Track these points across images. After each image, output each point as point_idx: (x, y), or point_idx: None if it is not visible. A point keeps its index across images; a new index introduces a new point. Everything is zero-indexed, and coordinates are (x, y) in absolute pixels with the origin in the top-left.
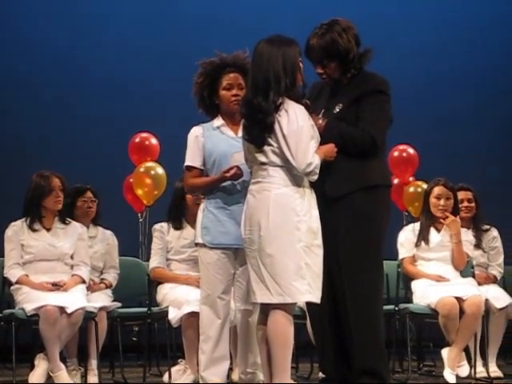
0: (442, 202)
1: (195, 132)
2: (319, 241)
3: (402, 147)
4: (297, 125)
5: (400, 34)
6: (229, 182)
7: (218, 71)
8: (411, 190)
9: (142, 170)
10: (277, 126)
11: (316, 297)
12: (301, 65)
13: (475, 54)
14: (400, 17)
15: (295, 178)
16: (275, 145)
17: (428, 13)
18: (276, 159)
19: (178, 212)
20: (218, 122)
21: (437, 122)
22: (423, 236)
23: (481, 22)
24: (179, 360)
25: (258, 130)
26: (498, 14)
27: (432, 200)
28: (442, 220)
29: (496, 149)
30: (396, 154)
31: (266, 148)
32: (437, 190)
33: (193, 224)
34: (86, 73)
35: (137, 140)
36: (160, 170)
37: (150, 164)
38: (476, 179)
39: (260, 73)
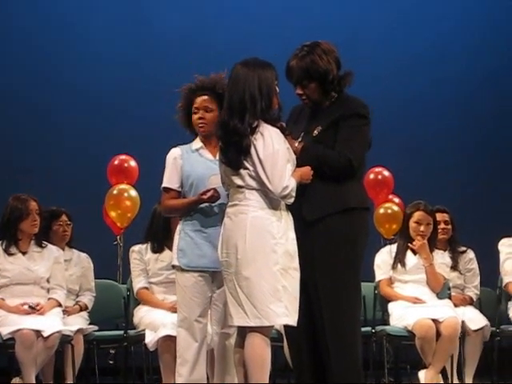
0: (422, 227)
1: (174, 154)
2: (296, 264)
3: (377, 169)
4: (272, 148)
5: (374, 55)
6: (206, 205)
7: (191, 95)
8: (381, 211)
9: (115, 192)
10: (253, 150)
11: (293, 320)
12: (277, 88)
13: (449, 78)
14: (375, 39)
15: (272, 201)
16: (251, 168)
17: (404, 35)
18: (252, 182)
19: (160, 235)
20: (197, 144)
21: (411, 144)
22: (400, 258)
23: (456, 47)
24: None
25: (234, 153)
26: (474, 38)
27: (412, 224)
28: (410, 245)
29: (471, 171)
30: (372, 176)
31: (243, 171)
32: (417, 215)
33: (171, 246)
34: (67, 93)
35: (116, 162)
36: (133, 193)
37: (123, 186)
38: (451, 201)
39: (236, 95)
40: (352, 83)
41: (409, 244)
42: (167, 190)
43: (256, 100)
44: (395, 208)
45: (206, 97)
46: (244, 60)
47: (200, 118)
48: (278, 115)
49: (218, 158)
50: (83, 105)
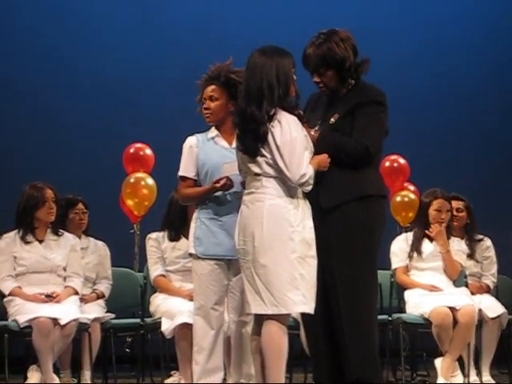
0: (443, 215)
1: (189, 142)
2: (313, 251)
3: (393, 157)
4: (290, 136)
5: (388, 44)
6: (220, 193)
7: (203, 86)
8: (398, 199)
9: (132, 180)
10: (270, 137)
11: (310, 308)
12: (294, 76)
13: (462, 67)
14: (388, 27)
15: (289, 188)
16: (269, 156)
17: (417, 24)
18: (270, 170)
19: (177, 223)
20: (213, 132)
21: (427, 132)
22: (416, 247)
23: (467, 36)
24: (173, 372)
25: (252, 140)
26: (486, 26)
27: (432, 213)
28: (427, 232)
29: (484, 159)
30: (387, 163)
31: (260, 159)
32: (437, 202)
33: (187, 235)
34: (80, 82)
35: (131, 150)
36: (150, 181)
37: (140, 174)
38: (467, 190)
39: (253, 82)
40: (368, 70)
41: (426, 231)
42: (183, 178)
43: (273, 88)
44: (412, 196)
45: (212, 86)
46: (261, 48)
47: (205, 108)
48: (295, 103)
49: (233, 146)
50: (97, 95)
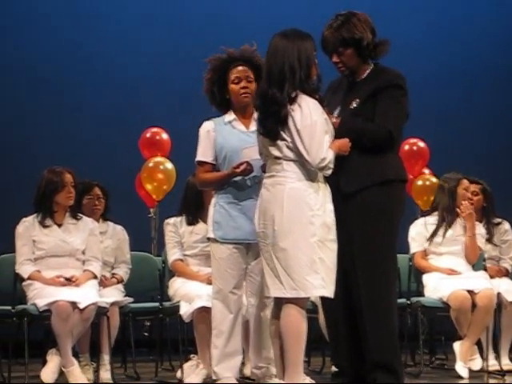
0: (469, 194)
1: (207, 127)
2: (333, 235)
3: (412, 141)
4: (310, 119)
5: (411, 27)
6: (239, 178)
7: (225, 66)
8: (420, 183)
9: (151, 164)
10: (290, 121)
11: (329, 291)
12: (316, 59)
13: (486, 47)
14: (410, 9)
15: (309, 172)
16: (289, 139)
17: (438, 4)
18: (290, 154)
19: (193, 207)
20: (230, 116)
21: (447, 115)
22: (437, 231)
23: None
24: (191, 355)
25: (272, 123)
26: None
27: (461, 192)
28: (458, 210)
29: (506, 144)
30: (407, 147)
31: (280, 142)
32: (465, 182)
33: (205, 219)
34: (97, 68)
35: (148, 135)
36: (169, 165)
37: (158, 159)
38: (486, 174)
39: (275, 65)
40: (388, 52)
41: (458, 211)
42: (201, 163)
43: (295, 70)
44: (434, 180)
45: (246, 67)
46: (283, 31)
47: (244, 87)
48: (316, 86)
49: (250, 129)
50: (113, 81)
